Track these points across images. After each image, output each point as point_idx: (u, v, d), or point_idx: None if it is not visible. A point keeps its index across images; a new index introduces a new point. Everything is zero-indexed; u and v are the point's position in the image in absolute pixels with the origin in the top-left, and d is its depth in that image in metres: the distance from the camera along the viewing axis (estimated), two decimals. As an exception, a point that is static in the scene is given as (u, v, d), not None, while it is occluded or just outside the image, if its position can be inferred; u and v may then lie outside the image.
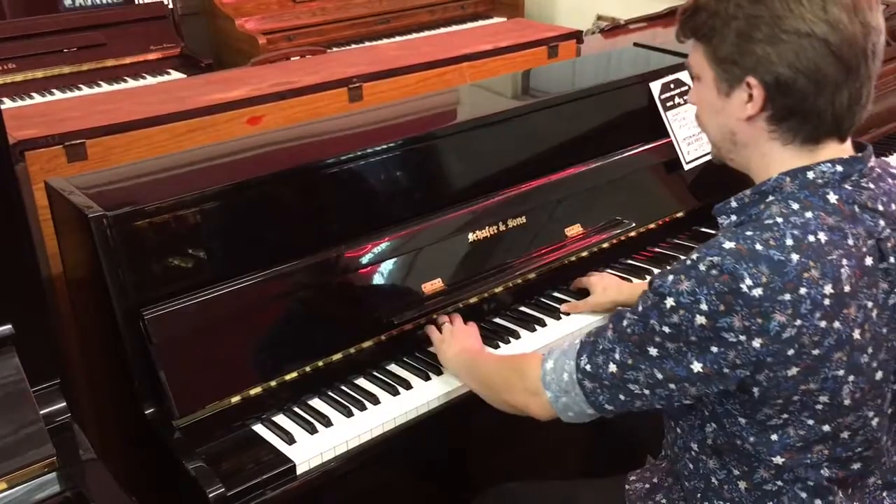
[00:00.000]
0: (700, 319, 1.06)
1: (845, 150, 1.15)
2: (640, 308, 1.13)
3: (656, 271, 1.70)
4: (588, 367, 1.20)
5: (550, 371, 1.27)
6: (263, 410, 1.48)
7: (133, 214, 1.42)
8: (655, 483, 1.39)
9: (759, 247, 1.05)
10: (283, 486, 1.36)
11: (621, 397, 1.18)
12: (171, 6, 3.86)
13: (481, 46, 2.75)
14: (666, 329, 1.09)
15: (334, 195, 1.65)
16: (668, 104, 2.09)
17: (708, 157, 1.96)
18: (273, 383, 1.48)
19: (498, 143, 1.85)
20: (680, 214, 2.07)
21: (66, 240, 1.63)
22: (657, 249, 2.03)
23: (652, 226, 2.01)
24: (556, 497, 1.50)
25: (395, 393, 1.53)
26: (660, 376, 1.13)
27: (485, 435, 1.85)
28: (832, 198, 1.10)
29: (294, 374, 1.50)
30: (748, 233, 1.07)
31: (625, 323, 1.16)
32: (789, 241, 1.05)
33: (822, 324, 1.04)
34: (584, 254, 1.87)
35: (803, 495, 1.17)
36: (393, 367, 1.61)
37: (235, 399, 1.44)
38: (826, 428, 1.12)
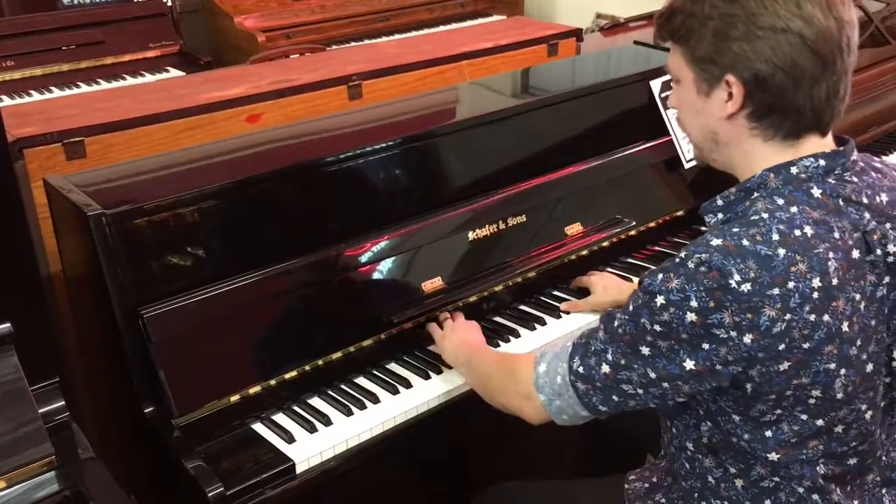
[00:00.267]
0: (690, 316, 1.06)
1: (827, 144, 1.16)
2: (631, 308, 1.14)
3: (656, 270, 1.70)
4: (581, 369, 1.20)
5: (543, 374, 1.27)
6: (263, 409, 1.48)
7: (132, 212, 1.41)
8: (654, 482, 1.38)
9: (745, 242, 1.05)
10: (283, 486, 1.36)
11: (615, 398, 1.19)
12: (169, 4, 3.85)
13: (481, 44, 2.75)
14: (657, 327, 1.10)
15: (334, 193, 1.65)
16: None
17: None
18: (272, 382, 1.48)
19: (498, 142, 1.85)
20: (680, 213, 2.07)
21: (64, 238, 1.63)
22: (657, 248, 2.03)
23: (652, 224, 2.01)
24: (556, 496, 1.50)
25: (395, 392, 1.53)
26: (653, 375, 1.13)
27: (484, 434, 1.84)
28: (816, 192, 1.11)
29: (294, 373, 1.50)
30: (735, 229, 1.08)
31: (616, 323, 1.16)
32: (775, 236, 1.06)
33: (812, 317, 1.05)
34: (585, 252, 1.87)
35: (800, 491, 1.17)
36: (393, 366, 1.61)
37: (235, 398, 1.44)
38: (820, 422, 1.12)
